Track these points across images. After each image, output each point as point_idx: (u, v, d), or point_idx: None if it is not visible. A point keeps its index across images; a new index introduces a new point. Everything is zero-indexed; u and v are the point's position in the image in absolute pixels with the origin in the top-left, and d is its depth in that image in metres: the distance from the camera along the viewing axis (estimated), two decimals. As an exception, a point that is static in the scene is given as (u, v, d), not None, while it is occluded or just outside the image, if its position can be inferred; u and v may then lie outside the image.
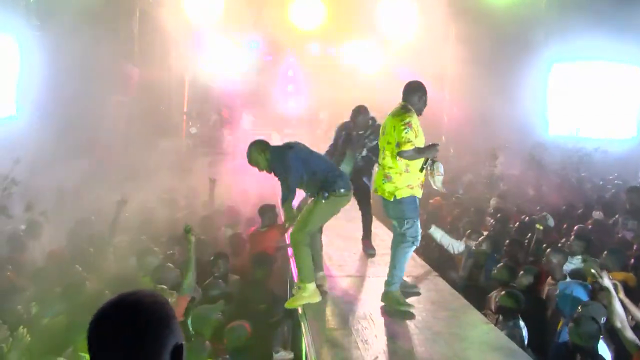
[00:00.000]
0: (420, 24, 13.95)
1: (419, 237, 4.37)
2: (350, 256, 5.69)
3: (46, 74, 9.96)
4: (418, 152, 4.12)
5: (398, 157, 4.16)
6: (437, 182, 4.23)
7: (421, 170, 4.19)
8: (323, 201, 4.27)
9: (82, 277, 4.90)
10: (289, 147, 4.49)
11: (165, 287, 4.30)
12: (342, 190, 4.32)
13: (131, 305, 1.38)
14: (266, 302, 4.99)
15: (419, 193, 4.31)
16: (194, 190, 9.24)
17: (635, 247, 5.82)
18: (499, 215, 7.33)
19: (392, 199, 4.24)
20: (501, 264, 5.25)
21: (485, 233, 6.69)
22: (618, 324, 3.57)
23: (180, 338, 1.41)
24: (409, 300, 4.33)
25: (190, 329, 4.16)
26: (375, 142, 5.12)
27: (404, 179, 4.21)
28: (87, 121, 10.92)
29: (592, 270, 3.75)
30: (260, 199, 9.36)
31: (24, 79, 10.63)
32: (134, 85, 12.90)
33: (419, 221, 4.37)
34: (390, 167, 4.25)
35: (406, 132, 4.07)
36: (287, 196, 4.33)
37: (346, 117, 5.67)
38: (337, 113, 8.66)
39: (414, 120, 4.19)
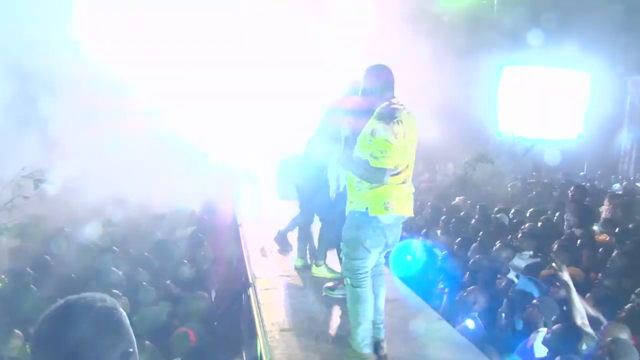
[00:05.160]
0: (374, 22, 14.02)
1: None
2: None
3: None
4: None
5: None
6: None
7: None
8: None
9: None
10: None
11: (119, 292, 4.23)
12: None
13: (79, 309, 1.33)
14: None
15: None
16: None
17: (579, 242, 6.07)
18: (462, 213, 7.57)
19: None
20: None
21: (438, 232, 6.86)
22: (579, 321, 3.62)
23: (130, 344, 1.36)
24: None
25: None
26: None
27: None
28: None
29: (554, 264, 3.83)
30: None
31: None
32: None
33: None
34: None
35: None
36: None
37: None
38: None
39: None
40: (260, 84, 9.99)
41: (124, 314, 1.40)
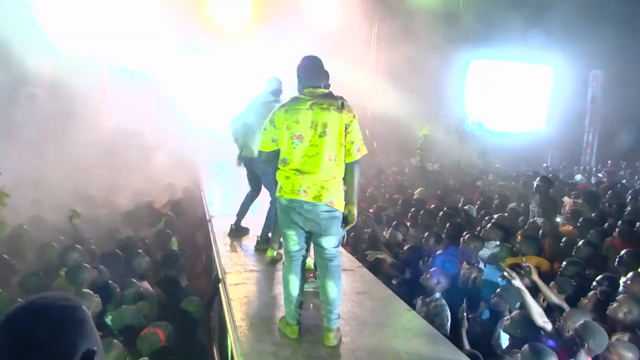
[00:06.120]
0: (342, 22, 14.03)
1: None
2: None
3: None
4: None
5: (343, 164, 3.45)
6: None
7: None
8: None
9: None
10: None
11: (91, 292, 4.13)
12: None
13: (39, 309, 1.31)
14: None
15: None
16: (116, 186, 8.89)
17: (542, 232, 6.22)
18: (432, 206, 7.66)
19: (334, 211, 3.45)
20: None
21: (408, 224, 6.92)
22: (539, 321, 3.68)
23: (93, 343, 1.34)
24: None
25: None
26: None
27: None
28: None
29: (505, 273, 3.88)
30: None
31: None
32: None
33: None
34: (337, 174, 3.46)
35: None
36: None
37: None
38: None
39: None
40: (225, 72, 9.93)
41: (88, 312, 1.38)
